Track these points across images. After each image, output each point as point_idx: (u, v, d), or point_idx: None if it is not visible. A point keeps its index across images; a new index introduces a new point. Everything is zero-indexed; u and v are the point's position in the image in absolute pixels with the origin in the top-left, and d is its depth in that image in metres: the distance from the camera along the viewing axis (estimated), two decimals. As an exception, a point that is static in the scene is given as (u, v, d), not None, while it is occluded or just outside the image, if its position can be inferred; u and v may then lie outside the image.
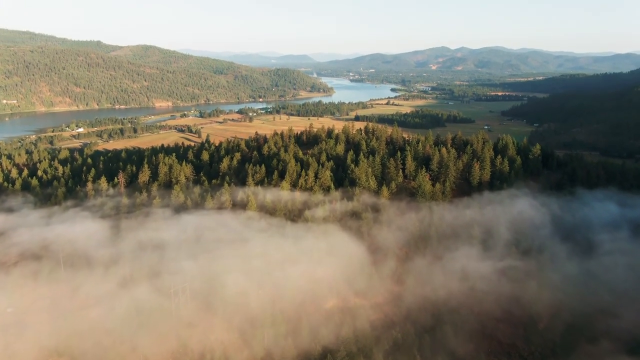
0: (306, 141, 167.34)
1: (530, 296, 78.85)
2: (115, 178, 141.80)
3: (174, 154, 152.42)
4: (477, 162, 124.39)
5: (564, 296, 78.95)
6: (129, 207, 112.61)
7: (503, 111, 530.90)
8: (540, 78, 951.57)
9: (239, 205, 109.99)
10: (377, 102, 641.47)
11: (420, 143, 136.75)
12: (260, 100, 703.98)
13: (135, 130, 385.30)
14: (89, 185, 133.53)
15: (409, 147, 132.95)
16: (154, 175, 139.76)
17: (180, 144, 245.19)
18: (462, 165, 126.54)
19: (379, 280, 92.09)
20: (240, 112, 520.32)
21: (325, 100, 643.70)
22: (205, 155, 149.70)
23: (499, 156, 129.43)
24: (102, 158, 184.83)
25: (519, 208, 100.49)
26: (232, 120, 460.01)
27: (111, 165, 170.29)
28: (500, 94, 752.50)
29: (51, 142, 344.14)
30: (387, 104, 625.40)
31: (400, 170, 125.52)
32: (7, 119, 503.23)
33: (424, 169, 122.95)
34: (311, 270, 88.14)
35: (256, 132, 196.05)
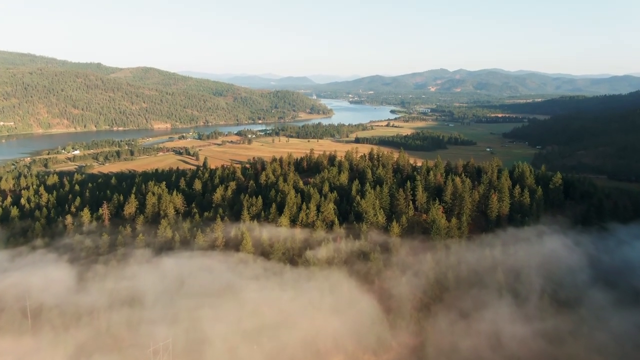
0: (307, 168, 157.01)
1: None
2: (100, 209, 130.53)
3: (164, 183, 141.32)
4: (494, 193, 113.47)
5: (613, 358, 66.70)
6: (108, 246, 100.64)
7: (504, 133, 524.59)
8: (539, 100, 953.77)
9: (233, 243, 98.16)
10: (377, 123, 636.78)
11: (431, 172, 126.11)
12: (260, 122, 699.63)
13: (132, 153, 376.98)
14: (69, 218, 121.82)
15: (419, 177, 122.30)
16: (142, 206, 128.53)
17: (176, 168, 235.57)
18: (478, 197, 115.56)
19: (391, 333, 79.77)
20: (239, 134, 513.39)
21: (325, 122, 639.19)
22: (197, 185, 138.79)
23: (517, 186, 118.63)
24: (90, 185, 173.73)
25: (550, 247, 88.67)
26: (231, 142, 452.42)
27: (98, 193, 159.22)
28: (500, 115, 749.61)
29: (45, 165, 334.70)
30: (387, 125, 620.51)
31: (410, 202, 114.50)
32: (3, 140, 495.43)
33: (437, 201, 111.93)
34: (313, 322, 75.93)
35: (253, 158, 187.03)
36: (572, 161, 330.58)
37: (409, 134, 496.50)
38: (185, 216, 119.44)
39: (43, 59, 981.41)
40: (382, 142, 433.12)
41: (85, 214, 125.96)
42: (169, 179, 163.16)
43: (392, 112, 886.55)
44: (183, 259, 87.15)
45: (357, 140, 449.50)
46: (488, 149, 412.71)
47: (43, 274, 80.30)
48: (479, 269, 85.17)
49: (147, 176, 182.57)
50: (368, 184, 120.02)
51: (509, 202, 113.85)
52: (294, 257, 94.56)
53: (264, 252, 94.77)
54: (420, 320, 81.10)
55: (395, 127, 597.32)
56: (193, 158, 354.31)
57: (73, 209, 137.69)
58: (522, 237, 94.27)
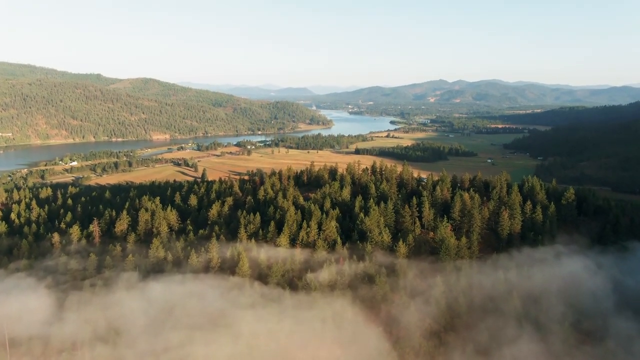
0: (307, 182, 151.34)
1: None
2: (91, 226, 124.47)
3: (158, 198, 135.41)
4: (505, 210, 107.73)
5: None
6: (95, 268, 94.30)
7: (505, 144, 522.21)
8: (539, 110, 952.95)
9: (228, 265, 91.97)
10: (376, 134, 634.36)
11: (437, 186, 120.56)
12: (259, 132, 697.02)
13: (130, 164, 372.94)
14: (56, 236, 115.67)
15: (425, 192, 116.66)
16: (135, 223, 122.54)
17: (173, 180, 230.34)
18: (488, 213, 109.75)
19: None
20: (238, 144, 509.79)
21: (325, 132, 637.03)
22: (193, 200, 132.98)
23: (529, 202, 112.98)
24: (83, 199, 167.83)
25: (570, 270, 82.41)
26: (230, 153, 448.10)
27: (91, 207, 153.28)
28: (500, 126, 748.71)
29: (42, 177, 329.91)
30: (387, 136, 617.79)
31: (417, 219, 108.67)
32: (1, 151, 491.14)
33: (444, 218, 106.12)
34: (315, 356, 69.54)
35: (253, 169, 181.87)
36: (574, 172, 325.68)
37: (409, 144, 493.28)
38: (179, 234, 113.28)
39: (43, 69, 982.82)
40: (383, 153, 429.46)
41: (75, 231, 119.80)
42: (164, 192, 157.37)
43: (392, 122, 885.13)
44: (173, 284, 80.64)
45: (357, 152, 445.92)
46: (489, 160, 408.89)
47: (23, 301, 73.84)
48: (493, 293, 78.98)
49: (142, 189, 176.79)
50: (372, 199, 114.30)
51: (521, 219, 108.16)
52: (293, 280, 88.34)
53: (262, 274, 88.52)
54: (430, 350, 74.76)
55: (396, 138, 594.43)
56: (192, 169, 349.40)
57: (63, 226, 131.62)
58: (538, 258, 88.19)
